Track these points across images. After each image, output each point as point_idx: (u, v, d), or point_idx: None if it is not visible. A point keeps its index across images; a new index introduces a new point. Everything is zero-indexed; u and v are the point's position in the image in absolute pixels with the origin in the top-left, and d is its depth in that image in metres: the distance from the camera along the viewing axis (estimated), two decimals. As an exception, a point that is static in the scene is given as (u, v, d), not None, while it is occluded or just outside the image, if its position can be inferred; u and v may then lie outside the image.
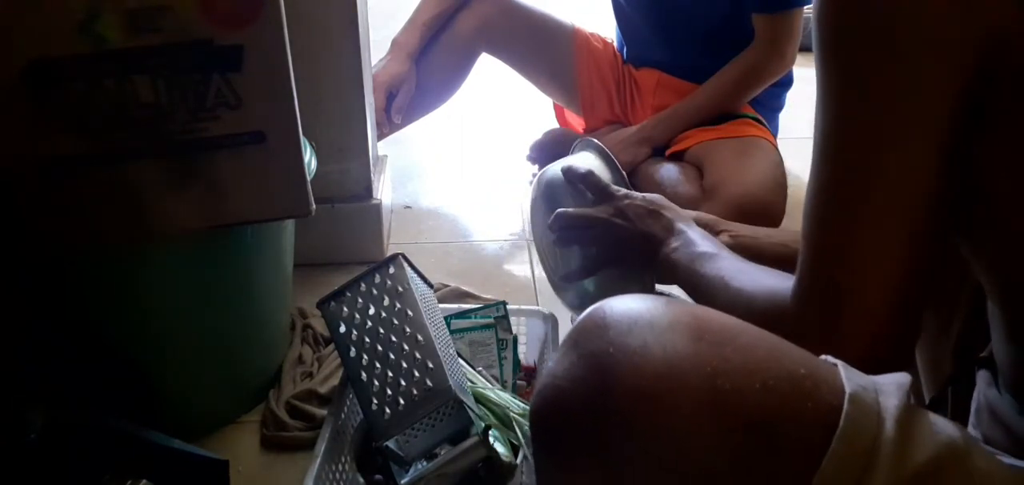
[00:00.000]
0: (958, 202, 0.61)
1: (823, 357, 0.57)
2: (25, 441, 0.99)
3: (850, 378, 0.54)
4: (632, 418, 0.52)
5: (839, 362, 0.56)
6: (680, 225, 0.95)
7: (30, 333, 1.14)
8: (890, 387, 0.55)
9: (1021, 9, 0.54)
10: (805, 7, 1.71)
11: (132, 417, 1.10)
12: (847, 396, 0.52)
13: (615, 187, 1.04)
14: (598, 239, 1.03)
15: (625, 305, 0.57)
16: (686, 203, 1.60)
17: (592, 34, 1.97)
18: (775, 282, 0.70)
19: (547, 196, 1.11)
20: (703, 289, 0.84)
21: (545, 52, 1.93)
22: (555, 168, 1.12)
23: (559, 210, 1.05)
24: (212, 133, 1.06)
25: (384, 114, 1.85)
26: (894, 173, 0.59)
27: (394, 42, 1.88)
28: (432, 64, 1.89)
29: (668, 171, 1.74)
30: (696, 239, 0.91)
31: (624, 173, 1.12)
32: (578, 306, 1.13)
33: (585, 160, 1.12)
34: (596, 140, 1.18)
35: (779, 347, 0.56)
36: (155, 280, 1.16)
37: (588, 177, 1.05)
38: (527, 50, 1.94)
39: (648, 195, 1.01)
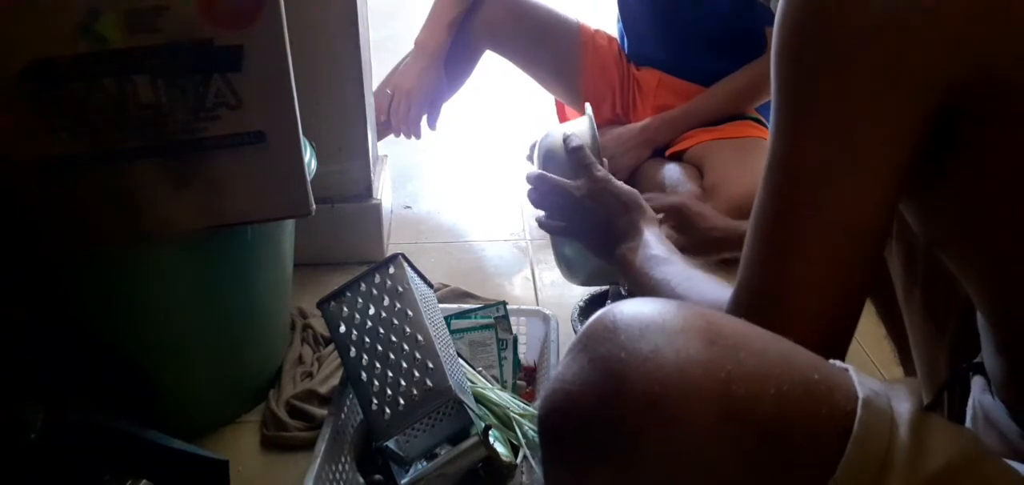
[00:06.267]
0: (938, 219, 0.61)
1: (832, 361, 0.56)
2: (25, 441, 0.99)
3: (862, 383, 0.53)
4: (644, 424, 0.51)
5: (850, 366, 0.55)
6: (643, 226, 0.97)
7: (30, 333, 1.14)
8: (902, 392, 0.54)
9: (995, 31, 0.53)
10: None
11: (132, 417, 1.10)
12: (860, 401, 0.52)
13: (598, 169, 1.04)
14: (564, 211, 1.05)
15: (635, 308, 0.56)
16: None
17: (597, 31, 1.96)
18: (717, 292, 0.72)
19: (545, 160, 1.12)
20: (649, 290, 0.86)
21: (550, 50, 1.92)
22: (555, 134, 1.14)
23: (538, 172, 1.08)
24: (212, 133, 1.06)
25: (417, 125, 1.89)
26: (841, 205, 0.59)
27: (419, 45, 1.87)
28: None
29: (670, 171, 1.74)
30: (653, 242, 0.93)
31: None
32: (562, 270, 1.17)
33: (580, 129, 1.13)
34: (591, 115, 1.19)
35: (792, 351, 0.55)
36: (155, 280, 1.16)
37: (577, 152, 1.06)
38: (532, 48, 1.93)
39: (625, 188, 1.02)
